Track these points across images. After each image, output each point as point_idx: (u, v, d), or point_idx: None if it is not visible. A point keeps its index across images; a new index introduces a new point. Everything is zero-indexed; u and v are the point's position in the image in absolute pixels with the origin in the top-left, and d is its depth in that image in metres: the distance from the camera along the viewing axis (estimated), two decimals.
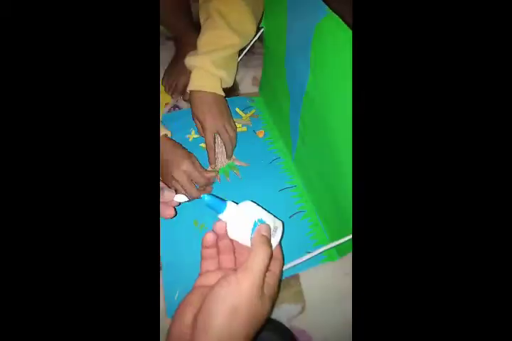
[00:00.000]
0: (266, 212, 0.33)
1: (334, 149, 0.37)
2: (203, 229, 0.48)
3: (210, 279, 0.29)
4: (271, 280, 0.28)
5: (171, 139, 0.51)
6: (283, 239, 0.32)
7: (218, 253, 0.32)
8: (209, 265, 0.31)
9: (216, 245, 0.31)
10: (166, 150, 0.48)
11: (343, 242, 0.35)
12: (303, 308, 0.41)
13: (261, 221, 0.31)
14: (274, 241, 0.31)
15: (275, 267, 0.30)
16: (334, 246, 0.36)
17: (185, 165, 0.47)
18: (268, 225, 0.31)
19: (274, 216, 0.33)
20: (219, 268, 0.32)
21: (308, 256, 0.36)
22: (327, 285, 0.43)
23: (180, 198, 0.37)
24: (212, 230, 0.31)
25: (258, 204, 0.33)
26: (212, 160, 0.53)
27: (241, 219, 0.30)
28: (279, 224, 0.33)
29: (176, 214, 0.39)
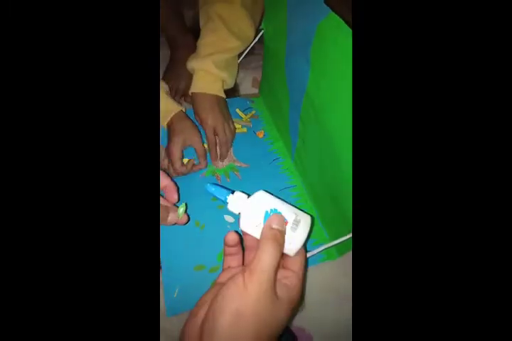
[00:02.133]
0: (285, 203, 0.29)
1: (334, 149, 0.37)
2: (204, 229, 0.48)
3: (231, 276, 0.27)
4: (290, 281, 0.25)
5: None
6: None
7: (244, 248, 0.30)
8: (231, 261, 0.29)
9: (240, 242, 0.29)
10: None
11: (343, 241, 0.36)
12: (302, 307, 0.41)
13: (274, 211, 0.27)
14: (298, 237, 0.27)
15: (296, 265, 0.27)
16: (334, 245, 0.36)
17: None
18: (281, 216, 0.27)
19: (303, 211, 0.29)
20: (243, 264, 0.29)
21: (307, 255, 0.36)
22: (326, 284, 0.43)
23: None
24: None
25: (277, 197, 0.29)
26: (214, 156, 0.54)
27: (250, 210, 0.27)
28: (304, 217, 0.28)
29: (189, 219, 0.40)
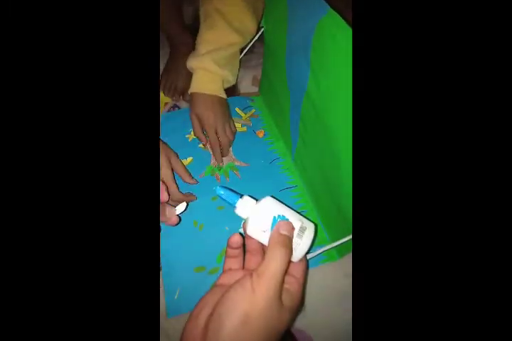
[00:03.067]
0: (292, 210, 0.29)
1: (334, 149, 0.37)
2: (203, 229, 0.48)
3: (231, 278, 0.27)
4: (292, 287, 0.26)
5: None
6: None
7: (246, 251, 0.30)
8: (232, 263, 0.29)
9: (243, 244, 0.29)
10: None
11: (343, 242, 0.35)
12: (303, 308, 0.41)
13: (282, 218, 0.27)
14: (303, 244, 0.27)
15: (298, 272, 0.27)
16: (334, 247, 0.36)
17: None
18: (289, 222, 0.27)
19: (307, 218, 0.30)
20: (243, 267, 0.29)
21: (308, 256, 0.35)
22: (327, 285, 0.43)
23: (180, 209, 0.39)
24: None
25: (283, 203, 0.29)
26: (218, 158, 0.53)
27: (258, 215, 0.28)
28: (309, 225, 0.29)
29: (180, 220, 0.41)
